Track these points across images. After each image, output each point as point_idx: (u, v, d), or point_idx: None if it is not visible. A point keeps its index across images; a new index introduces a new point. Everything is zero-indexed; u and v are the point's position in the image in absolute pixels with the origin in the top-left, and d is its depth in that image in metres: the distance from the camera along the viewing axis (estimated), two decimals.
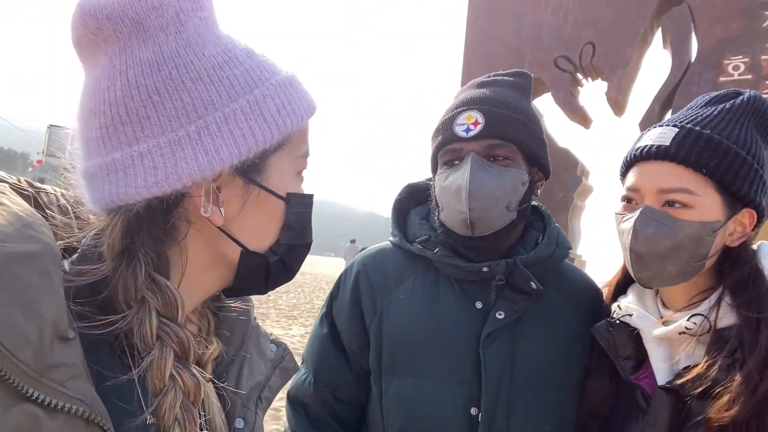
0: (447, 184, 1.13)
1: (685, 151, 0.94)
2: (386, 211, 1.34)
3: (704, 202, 0.93)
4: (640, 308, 1.04)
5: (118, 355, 0.54)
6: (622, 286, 1.13)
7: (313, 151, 0.67)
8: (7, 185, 0.54)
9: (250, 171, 0.59)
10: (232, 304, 0.74)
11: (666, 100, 2.50)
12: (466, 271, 1.14)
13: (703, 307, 0.95)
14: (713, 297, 0.96)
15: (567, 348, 1.15)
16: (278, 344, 0.80)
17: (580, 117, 2.80)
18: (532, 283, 1.10)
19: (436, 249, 1.17)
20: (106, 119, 0.55)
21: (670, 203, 0.94)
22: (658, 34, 2.63)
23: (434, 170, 1.21)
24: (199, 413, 0.59)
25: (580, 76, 2.76)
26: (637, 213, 0.95)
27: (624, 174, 1.05)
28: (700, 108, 1.01)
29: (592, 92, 2.81)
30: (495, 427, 1.08)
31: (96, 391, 0.49)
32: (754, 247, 1.00)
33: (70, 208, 0.62)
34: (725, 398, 0.86)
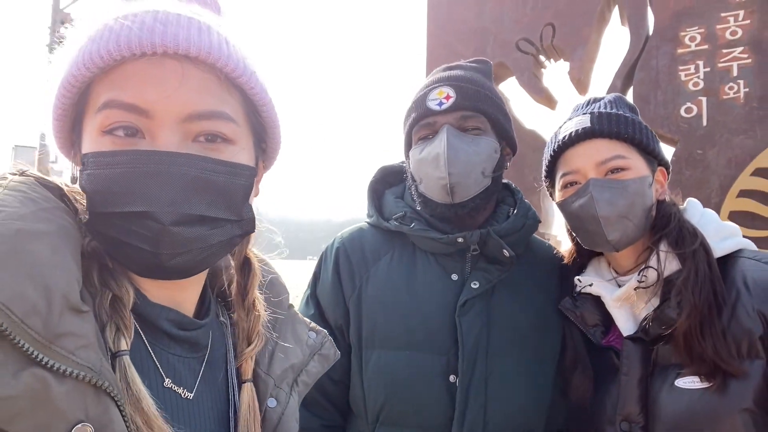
0: (423, 156, 1.18)
1: (606, 126, 1.12)
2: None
3: (634, 162, 1.12)
4: (597, 279, 1.18)
5: None
6: (577, 266, 1.25)
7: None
8: (32, 179, 0.56)
9: (77, 138, 0.61)
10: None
11: (627, 75, 2.54)
12: (442, 243, 1.19)
13: (653, 261, 1.08)
14: (655, 252, 1.10)
15: (541, 315, 1.23)
16: (317, 332, 0.80)
17: (545, 98, 2.82)
18: (504, 250, 1.18)
19: (413, 224, 1.22)
20: None
21: (612, 170, 1.11)
22: (616, 11, 2.66)
23: (408, 148, 1.26)
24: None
25: (542, 57, 2.78)
26: (589, 186, 1.09)
27: (550, 171, 1.21)
28: (587, 106, 1.21)
29: (556, 73, 2.84)
30: (472, 393, 1.13)
31: None
32: (683, 205, 1.18)
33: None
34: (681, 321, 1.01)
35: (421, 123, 1.19)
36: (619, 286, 1.14)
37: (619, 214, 1.08)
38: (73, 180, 0.62)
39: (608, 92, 2.59)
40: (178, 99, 0.56)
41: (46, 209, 0.53)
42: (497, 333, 1.16)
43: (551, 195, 1.25)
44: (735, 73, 2.26)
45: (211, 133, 0.58)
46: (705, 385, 0.99)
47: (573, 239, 1.26)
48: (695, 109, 2.32)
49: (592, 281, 1.17)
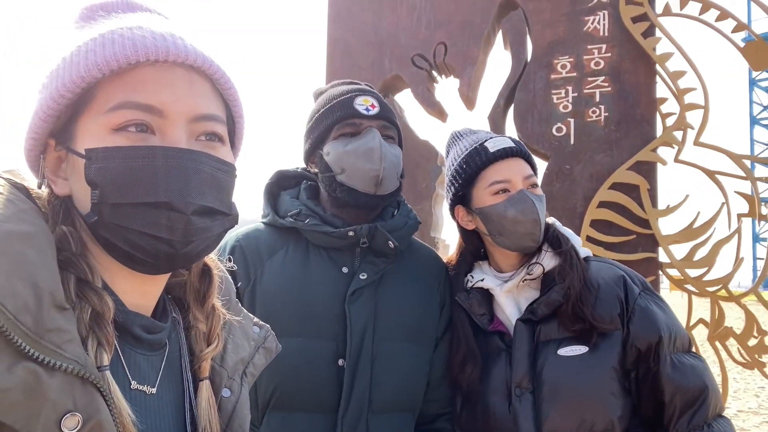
0: (351, 149, 1.29)
1: (523, 149, 1.40)
2: None
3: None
4: (488, 276, 1.43)
5: None
6: (465, 264, 1.50)
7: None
8: (3, 179, 0.60)
9: (62, 138, 0.63)
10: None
11: (508, 96, 2.78)
12: (334, 237, 1.30)
13: (537, 258, 1.36)
14: (540, 253, 1.38)
15: (422, 305, 1.39)
16: (260, 326, 0.84)
17: (437, 111, 3.01)
18: (390, 242, 1.31)
19: (307, 220, 1.31)
20: None
21: (532, 185, 1.36)
22: (500, 36, 2.91)
23: (318, 145, 1.35)
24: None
25: (435, 73, 2.97)
26: (526, 194, 1.33)
27: (473, 180, 1.40)
28: (490, 133, 1.48)
29: (447, 88, 3.04)
30: (359, 375, 1.23)
31: None
32: (550, 220, 1.45)
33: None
34: (564, 306, 1.28)
35: (347, 122, 1.30)
36: (504, 282, 1.39)
37: (540, 220, 1.33)
38: (39, 185, 0.64)
39: (493, 109, 2.84)
40: (187, 102, 0.62)
41: (24, 211, 0.56)
42: (383, 319, 1.28)
43: (459, 199, 1.44)
44: (597, 99, 2.57)
45: (210, 133, 0.65)
46: (582, 350, 1.27)
47: (462, 245, 1.51)
48: (564, 129, 2.60)
49: (484, 277, 1.42)
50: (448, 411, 1.41)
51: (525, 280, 1.36)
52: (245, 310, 0.85)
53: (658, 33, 2.51)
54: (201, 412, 0.69)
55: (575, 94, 2.60)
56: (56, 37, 0.64)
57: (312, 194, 1.41)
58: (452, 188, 1.44)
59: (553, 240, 1.38)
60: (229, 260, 1.27)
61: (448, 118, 3.19)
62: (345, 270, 1.30)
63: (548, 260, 1.36)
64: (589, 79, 2.59)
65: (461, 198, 1.42)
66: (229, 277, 0.85)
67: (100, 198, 0.58)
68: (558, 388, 1.26)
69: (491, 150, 1.37)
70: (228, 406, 0.74)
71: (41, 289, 0.51)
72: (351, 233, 1.28)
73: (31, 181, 0.65)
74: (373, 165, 1.25)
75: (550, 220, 1.45)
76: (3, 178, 0.60)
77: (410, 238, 1.43)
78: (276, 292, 1.27)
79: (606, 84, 2.57)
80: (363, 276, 1.28)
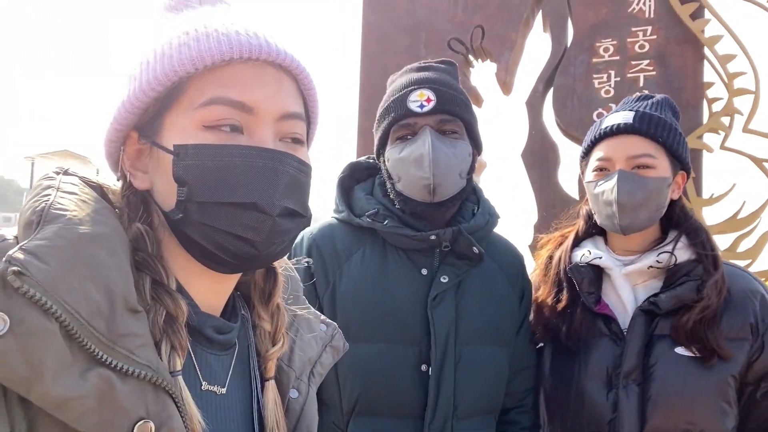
0: (404, 156, 1.22)
1: (645, 126, 1.26)
2: None
3: (660, 163, 1.26)
4: (604, 254, 1.35)
5: None
6: (578, 240, 1.42)
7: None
8: (77, 177, 0.59)
9: (148, 132, 0.62)
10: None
11: (548, 80, 2.72)
12: (416, 239, 1.25)
13: (668, 248, 1.28)
14: (668, 240, 1.30)
15: (502, 306, 1.34)
16: (328, 324, 0.82)
17: (473, 96, 2.95)
18: (474, 248, 1.25)
19: (386, 221, 1.26)
20: None
21: (639, 166, 1.25)
22: (539, 19, 2.83)
23: (382, 147, 1.30)
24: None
25: (471, 57, 2.91)
26: (616, 175, 1.24)
27: (589, 152, 1.35)
28: (636, 102, 1.35)
29: (483, 73, 2.98)
30: (444, 381, 1.21)
31: None
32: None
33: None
34: (687, 314, 1.20)
35: (401, 123, 1.23)
36: (625, 265, 1.31)
37: (634, 204, 1.23)
38: (118, 177, 0.64)
39: (531, 94, 2.77)
40: (276, 101, 0.61)
41: (97, 211, 0.55)
42: (465, 323, 1.25)
43: (583, 172, 1.40)
44: (641, 84, 2.49)
45: (293, 134, 0.64)
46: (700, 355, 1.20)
47: (586, 219, 1.42)
48: (605, 114, 2.53)
49: (602, 255, 1.33)
50: (523, 404, 1.37)
51: (651, 267, 1.27)
52: (312, 308, 0.83)
53: (707, 14, 2.40)
54: (268, 413, 0.69)
55: (618, 79, 2.52)
56: (142, 26, 0.64)
57: (387, 192, 1.34)
58: (580, 161, 1.42)
59: (691, 230, 1.29)
60: (307, 262, 1.27)
61: (483, 103, 3.14)
62: (424, 272, 1.26)
63: (682, 252, 1.27)
64: (633, 62, 2.50)
65: (583, 172, 1.39)
66: (297, 276, 0.83)
67: (187, 195, 0.57)
68: (669, 387, 1.20)
69: (603, 125, 1.31)
70: (296, 407, 0.73)
71: (114, 293, 0.51)
72: (433, 237, 1.24)
73: (102, 170, 0.66)
74: (423, 173, 1.18)
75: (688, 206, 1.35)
76: (77, 176, 0.59)
77: (491, 234, 1.38)
78: (356, 296, 1.24)
79: (651, 68, 2.47)
80: (444, 279, 1.24)
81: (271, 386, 0.70)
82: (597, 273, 1.35)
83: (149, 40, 0.62)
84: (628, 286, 1.31)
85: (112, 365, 0.49)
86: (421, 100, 1.21)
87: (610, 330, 1.29)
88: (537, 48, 2.92)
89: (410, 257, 1.28)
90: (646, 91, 2.47)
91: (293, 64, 0.63)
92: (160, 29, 0.63)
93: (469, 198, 1.37)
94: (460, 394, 1.21)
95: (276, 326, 0.72)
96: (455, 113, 1.24)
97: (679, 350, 1.21)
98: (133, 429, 0.49)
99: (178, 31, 0.61)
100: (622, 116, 1.29)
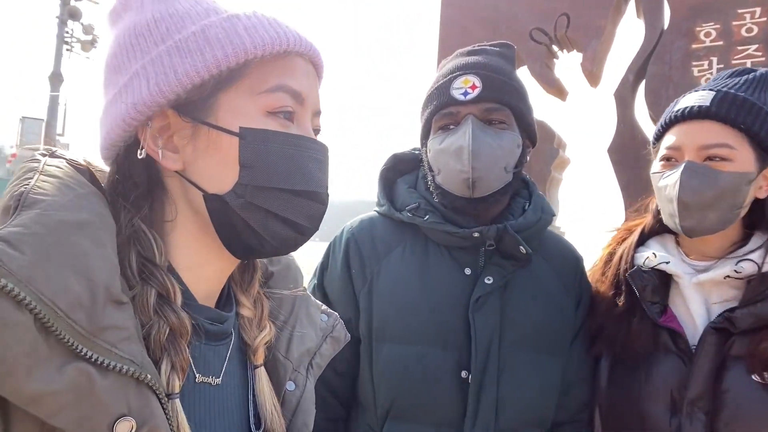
0: (444, 147, 1.14)
1: (724, 109, 1.05)
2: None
3: (741, 155, 1.05)
4: (675, 259, 1.16)
5: None
6: (644, 237, 1.23)
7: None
8: (63, 160, 0.57)
9: (194, 110, 0.59)
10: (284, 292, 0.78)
11: (640, 69, 2.52)
12: (458, 236, 1.17)
13: (755, 255, 1.07)
14: (751, 244, 1.08)
15: (554, 312, 1.20)
16: (329, 314, 0.82)
17: (556, 89, 2.81)
18: (521, 248, 1.15)
19: (427, 216, 1.18)
20: (102, 74, 0.63)
21: (711, 158, 1.05)
22: (632, 4, 2.64)
23: (425, 137, 1.22)
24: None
25: (555, 47, 2.77)
26: (681, 167, 1.06)
27: (659, 137, 1.16)
28: (726, 79, 1.13)
29: (567, 64, 2.82)
30: (485, 389, 1.12)
31: None
32: None
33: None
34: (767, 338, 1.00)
35: (443, 112, 1.15)
36: (698, 272, 1.13)
37: (701, 203, 1.05)
38: (122, 162, 0.61)
39: (620, 85, 2.58)
40: (315, 94, 0.66)
41: (82, 196, 0.53)
42: (510, 329, 1.15)
43: (652, 161, 1.22)
44: None
45: (319, 128, 0.67)
46: None
47: (655, 215, 1.23)
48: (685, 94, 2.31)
49: (670, 259, 1.15)
50: (577, 419, 1.25)
51: (728, 277, 1.08)
52: (312, 297, 0.82)
53: None
54: (264, 400, 0.68)
55: (721, 66, 2.28)
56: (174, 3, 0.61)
57: (428, 185, 1.26)
58: (651, 148, 1.24)
59: None
60: (346, 254, 1.22)
61: (568, 96, 2.97)
62: (468, 271, 1.17)
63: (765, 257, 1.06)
64: (739, 48, 2.26)
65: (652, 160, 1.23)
66: (297, 265, 0.83)
67: (250, 179, 0.58)
68: (744, 417, 1.03)
69: (676, 107, 1.12)
70: (292, 399, 0.71)
71: (96, 284, 0.48)
72: (476, 234, 1.14)
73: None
74: (462, 166, 1.10)
75: None
76: (65, 158, 0.57)
77: (543, 233, 1.26)
78: (394, 295, 1.17)
79: (759, 53, 2.23)
80: (488, 280, 1.15)
81: (262, 373, 0.69)
82: (663, 279, 1.17)
83: (184, 11, 0.60)
84: (699, 297, 1.12)
85: (92, 359, 0.47)
86: (466, 87, 1.13)
87: (676, 346, 1.12)
88: (627, 35, 2.72)
89: (453, 255, 1.19)
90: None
91: (320, 62, 0.67)
92: (204, 7, 0.61)
93: (520, 193, 1.26)
94: (502, 405, 1.12)
95: (261, 312, 0.72)
96: (503, 101, 1.14)
97: (756, 376, 1.03)
98: (113, 426, 0.47)
99: (241, 13, 0.60)
100: (699, 97, 1.09)
